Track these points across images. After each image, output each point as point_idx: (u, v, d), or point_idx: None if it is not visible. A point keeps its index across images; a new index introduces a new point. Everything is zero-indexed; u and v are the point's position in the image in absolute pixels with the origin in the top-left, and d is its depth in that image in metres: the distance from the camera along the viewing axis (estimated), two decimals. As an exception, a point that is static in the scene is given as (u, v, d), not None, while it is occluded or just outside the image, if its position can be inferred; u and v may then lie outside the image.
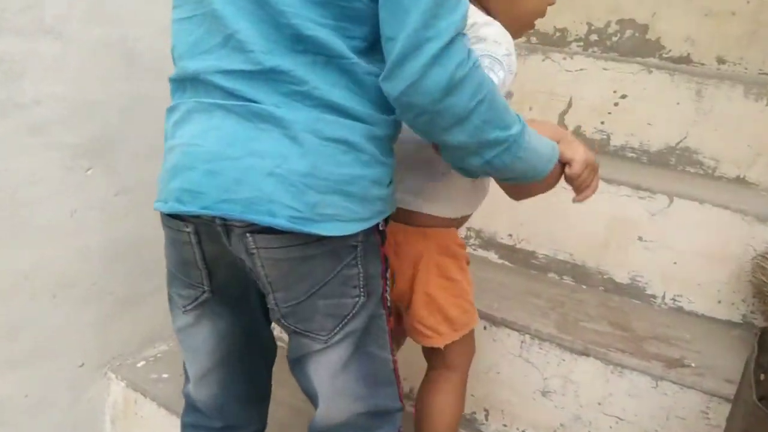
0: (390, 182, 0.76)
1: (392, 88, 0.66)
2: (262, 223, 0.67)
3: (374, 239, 0.77)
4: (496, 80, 0.76)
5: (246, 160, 0.67)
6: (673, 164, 1.63)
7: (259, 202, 0.67)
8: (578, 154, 0.84)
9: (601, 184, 1.42)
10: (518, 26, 0.91)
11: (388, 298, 0.83)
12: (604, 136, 1.70)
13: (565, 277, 1.50)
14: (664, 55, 1.85)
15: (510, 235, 1.55)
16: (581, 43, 1.96)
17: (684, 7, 1.82)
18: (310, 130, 0.67)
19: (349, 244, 0.73)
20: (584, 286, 1.48)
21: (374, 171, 0.72)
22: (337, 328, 0.76)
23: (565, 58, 1.71)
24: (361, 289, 0.76)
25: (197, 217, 0.72)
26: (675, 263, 1.38)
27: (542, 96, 1.75)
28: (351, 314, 0.76)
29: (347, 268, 0.74)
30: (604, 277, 1.46)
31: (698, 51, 1.83)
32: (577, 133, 1.72)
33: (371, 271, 0.77)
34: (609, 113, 1.68)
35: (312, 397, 0.83)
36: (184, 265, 0.80)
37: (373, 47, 0.68)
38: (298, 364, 0.81)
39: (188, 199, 0.70)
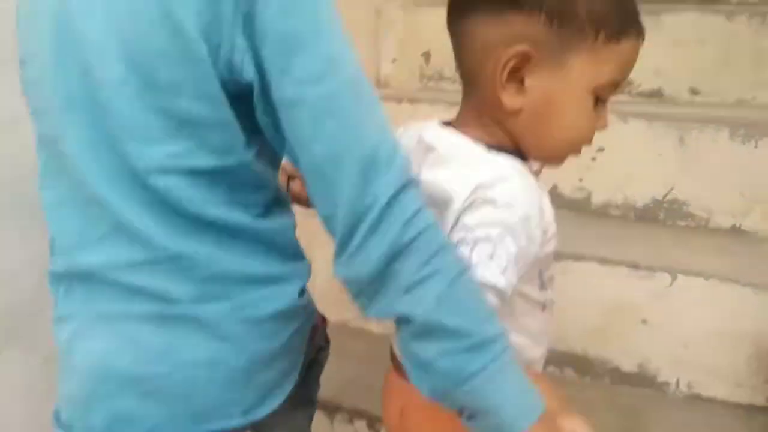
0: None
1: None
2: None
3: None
4: (504, 257, 0.57)
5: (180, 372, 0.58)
6: (662, 219, 1.50)
7: (220, 407, 0.60)
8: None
9: (596, 266, 1.32)
10: (550, 156, 0.68)
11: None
12: (585, 194, 1.56)
13: (566, 369, 1.35)
14: (634, 91, 1.72)
15: (499, 326, 1.39)
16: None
17: (651, 37, 1.69)
18: (238, 322, 0.60)
19: None
20: (588, 378, 1.33)
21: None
22: None
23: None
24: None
25: None
26: (685, 346, 1.25)
27: (512, 156, 1.60)
28: None
29: None
30: (609, 366, 1.32)
31: (670, 83, 1.70)
32: (555, 192, 1.57)
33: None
34: (587, 169, 1.54)
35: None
36: None
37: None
38: None
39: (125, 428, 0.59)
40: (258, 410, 0.62)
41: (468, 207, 0.60)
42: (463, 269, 0.55)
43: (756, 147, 1.39)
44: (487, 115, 0.64)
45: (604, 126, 0.68)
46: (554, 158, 0.69)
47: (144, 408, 0.58)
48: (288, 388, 0.65)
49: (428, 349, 0.53)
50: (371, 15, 1.98)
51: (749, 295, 1.19)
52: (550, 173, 1.56)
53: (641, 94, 1.69)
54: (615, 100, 1.69)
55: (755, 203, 1.41)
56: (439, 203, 0.62)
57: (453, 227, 0.60)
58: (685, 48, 1.67)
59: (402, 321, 0.54)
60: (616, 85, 0.65)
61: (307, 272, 0.68)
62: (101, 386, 0.59)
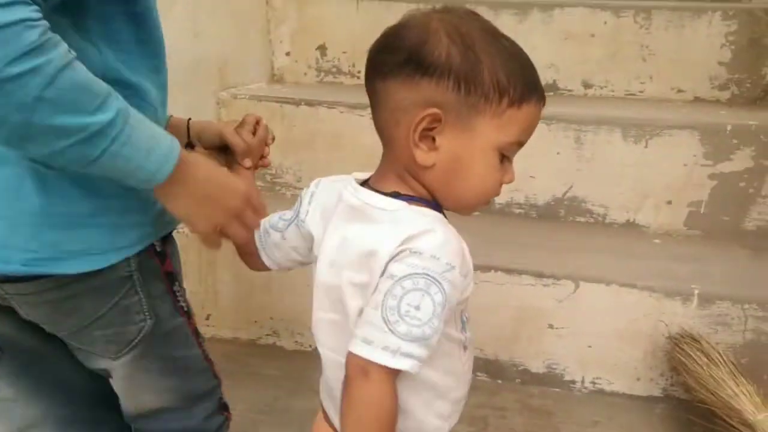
0: (154, 203, 0.67)
1: None
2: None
3: (152, 263, 0.73)
4: (430, 306, 0.60)
5: None
6: (563, 216, 1.55)
7: None
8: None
9: (503, 275, 1.34)
10: (462, 207, 0.69)
11: (183, 304, 0.79)
12: (489, 194, 1.57)
13: (479, 374, 1.38)
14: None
15: (413, 337, 1.39)
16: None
17: (543, 31, 1.72)
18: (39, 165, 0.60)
19: (120, 276, 0.69)
20: (500, 381, 1.37)
21: (126, 198, 0.66)
22: (124, 351, 0.74)
23: (434, 116, 1.54)
24: (146, 314, 0.73)
25: None
26: (590, 347, 1.31)
27: (416, 158, 1.58)
28: (137, 339, 0.74)
29: (125, 299, 0.71)
30: (519, 368, 1.36)
31: (563, 76, 1.74)
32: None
33: (154, 294, 0.74)
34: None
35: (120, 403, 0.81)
36: None
37: None
38: (95, 376, 0.78)
39: None
40: (49, 265, 0.63)
41: (395, 257, 0.61)
42: (64, 64, 0.50)
43: (646, 147, 1.45)
44: (404, 170, 0.66)
45: (510, 180, 0.70)
46: (465, 209, 0.71)
47: None
48: (91, 263, 0.66)
49: (47, 149, 0.52)
50: (261, 6, 1.86)
51: (646, 298, 1.25)
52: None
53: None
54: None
55: (646, 198, 1.48)
56: (366, 255, 0.63)
57: (381, 276, 0.62)
58: (575, 42, 1.70)
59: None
60: (520, 144, 0.68)
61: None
62: None
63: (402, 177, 0.66)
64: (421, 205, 0.66)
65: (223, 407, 0.89)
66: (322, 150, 1.64)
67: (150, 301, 0.73)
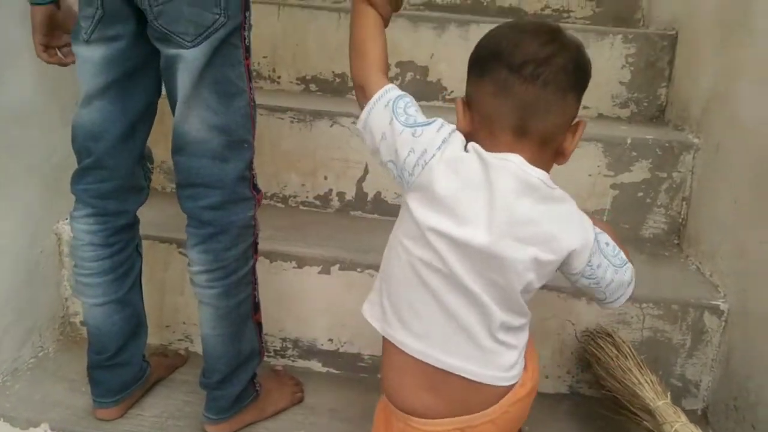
0: None
1: None
2: None
3: None
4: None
5: None
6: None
7: None
8: None
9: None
10: None
11: (247, 40, 0.98)
12: (407, 200, 1.60)
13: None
14: (447, 96, 1.80)
15: (330, 340, 1.39)
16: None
17: (459, 47, 1.77)
18: None
19: None
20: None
21: None
22: (201, 36, 0.91)
23: (354, 122, 1.55)
24: (222, 10, 0.91)
25: None
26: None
27: (337, 163, 1.59)
28: (212, 27, 0.91)
29: None
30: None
31: (479, 90, 1.81)
32: (378, 199, 1.60)
33: (232, 6, 0.92)
34: (408, 176, 1.58)
35: (174, 103, 0.98)
36: None
37: None
38: (168, 69, 0.96)
39: None
40: None
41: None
42: None
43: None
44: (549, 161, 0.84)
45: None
46: None
47: None
48: None
49: None
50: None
51: (554, 299, 1.31)
52: (373, 182, 1.58)
53: (453, 100, 1.77)
54: (427, 105, 1.78)
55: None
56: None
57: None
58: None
59: None
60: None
61: None
62: None
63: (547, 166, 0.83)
64: None
65: (255, 186, 1.06)
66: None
67: (227, 2, 0.92)
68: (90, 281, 1.10)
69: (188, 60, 0.92)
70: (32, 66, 1.17)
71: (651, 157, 1.50)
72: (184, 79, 0.94)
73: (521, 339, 0.86)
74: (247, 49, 0.99)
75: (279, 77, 1.86)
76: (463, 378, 0.81)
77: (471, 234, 0.77)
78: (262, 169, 1.61)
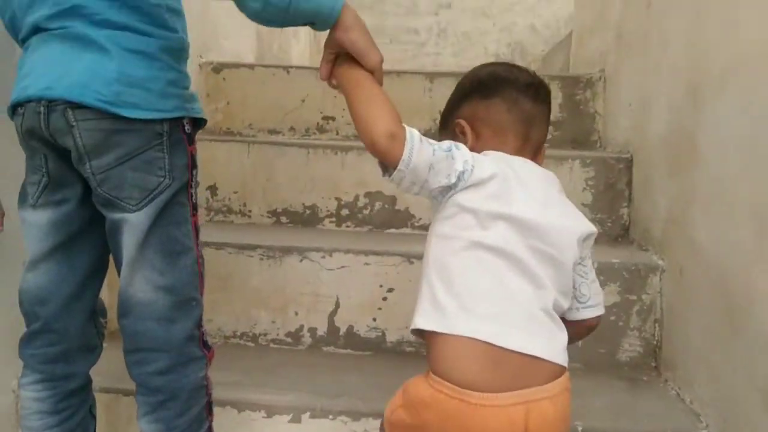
0: (187, 87, 0.99)
1: None
2: (77, 99, 0.89)
3: (179, 135, 0.97)
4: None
5: (69, 65, 0.90)
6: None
7: (75, 87, 0.89)
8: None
9: None
10: None
11: (194, 197, 1.01)
12: (379, 333, 1.58)
13: None
14: (416, 224, 1.83)
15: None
16: (333, 219, 1.86)
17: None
18: (114, 43, 0.90)
19: (155, 131, 0.94)
20: None
21: (168, 74, 0.95)
22: (145, 200, 0.93)
23: (324, 257, 1.57)
24: (167, 173, 0.94)
25: (29, 102, 0.93)
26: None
27: (307, 298, 1.58)
28: (157, 190, 0.94)
29: (153, 151, 0.94)
30: None
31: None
32: (350, 333, 1.57)
33: (176, 161, 0.96)
34: (379, 309, 1.57)
35: (120, 266, 0.98)
36: (31, 151, 0.99)
37: None
38: (112, 234, 0.96)
39: (31, 89, 0.92)
40: (112, 107, 0.91)
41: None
42: None
43: (524, 283, 1.53)
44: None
45: None
46: None
47: (39, 82, 0.92)
48: (139, 113, 0.95)
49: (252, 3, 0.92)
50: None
51: None
52: (345, 315, 1.56)
53: (422, 227, 1.79)
54: (397, 233, 1.77)
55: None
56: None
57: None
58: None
59: None
60: None
61: (185, 74, 1.02)
62: (29, 70, 0.95)
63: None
64: None
65: (204, 343, 1.03)
66: (209, 291, 1.59)
67: (172, 162, 0.95)
68: None
69: (133, 223, 0.93)
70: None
71: (618, 280, 1.51)
72: (128, 242, 0.94)
73: (564, 326, 0.91)
74: (194, 206, 1.01)
75: (250, 211, 1.88)
76: (523, 353, 0.83)
77: (523, 209, 0.88)
78: (231, 306, 1.61)
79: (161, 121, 0.93)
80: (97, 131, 0.90)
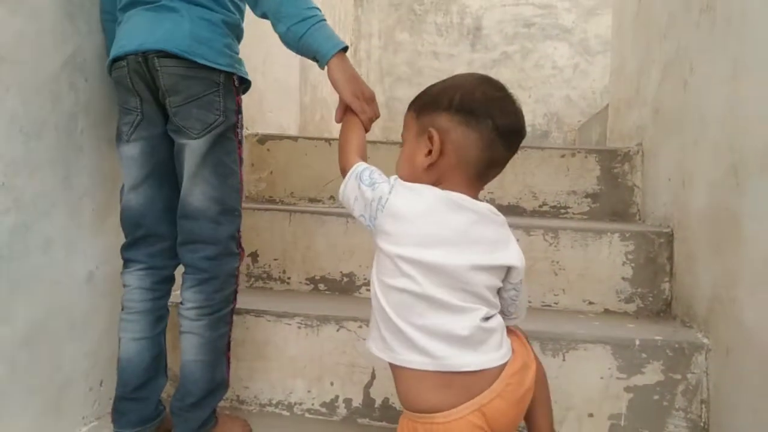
0: (237, 53, 1.34)
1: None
2: (162, 48, 1.23)
3: (231, 87, 1.31)
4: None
5: (156, 26, 1.25)
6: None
7: (161, 41, 1.23)
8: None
9: None
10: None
11: (240, 135, 1.35)
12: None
13: None
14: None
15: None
16: (370, 287, 1.86)
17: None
18: (188, 12, 1.25)
19: (213, 80, 1.27)
20: None
21: (225, 39, 1.29)
22: (204, 131, 1.26)
23: (360, 326, 1.57)
24: (221, 113, 1.28)
25: (127, 55, 1.26)
26: None
27: (343, 368, 1.57)
28: (213, 125, 1.26)
29: (212, 95, 1.26)
30: None
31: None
32: (386, 405, 1.55)
33: (228, 105, 1.29)
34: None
35: (182, 180, 1.30)
36: (129, 95, 1.30)
37: None
38: (179, 155, 1.29)
39: (128, 46, 1.26)
40: (189, 55, 1.25)
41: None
42: None
43: (564, 360, 1.50)
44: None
45: None
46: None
47: (135, 38, 1.27)
48: (206, 61, 1.29)
49: (280, 27, 1.25)
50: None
51: None
52: (380, 386, 1.55)
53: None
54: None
55: (569, 411, 1.50)
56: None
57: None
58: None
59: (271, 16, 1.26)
60: None
61: (236, 42, 1.38)
62: (126, 31, 1.30)
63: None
64: None
65: (239, 244, 1.38)
66: (244, 358, 1.61)
67: (225, 106, 1.28)
68: (133, 318, 1.33)
69: (194, 147, 1.26)
70: (42, 287, 1.23)
71: (662, 358, 1.47)
72: (190, 162, 1.26)
73: (497, 320, 1.04)
74: (240, 142, 1.34)
75: (289, 278, 1.91)
76: (467, 371, 0.98)
77: (432, 254, 0.98)
78: (268, 375, 1.61)
79: (219, 72, 1.26)
80: (174, 75, 1.23)
